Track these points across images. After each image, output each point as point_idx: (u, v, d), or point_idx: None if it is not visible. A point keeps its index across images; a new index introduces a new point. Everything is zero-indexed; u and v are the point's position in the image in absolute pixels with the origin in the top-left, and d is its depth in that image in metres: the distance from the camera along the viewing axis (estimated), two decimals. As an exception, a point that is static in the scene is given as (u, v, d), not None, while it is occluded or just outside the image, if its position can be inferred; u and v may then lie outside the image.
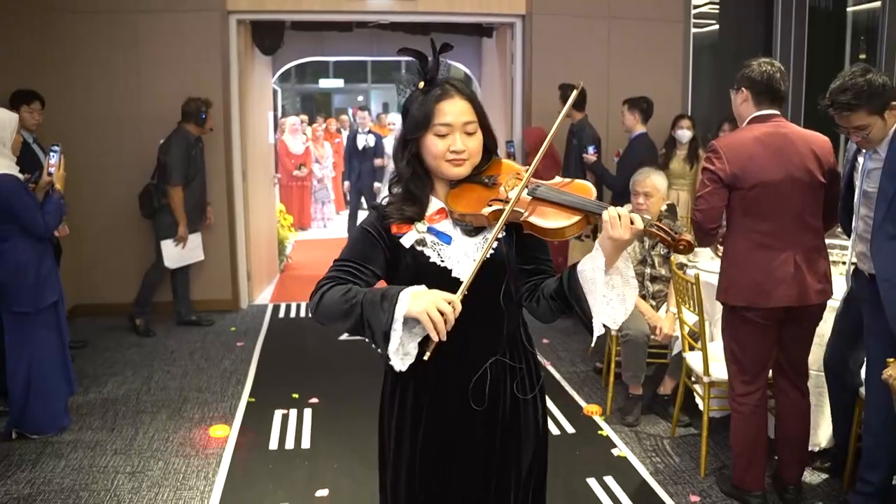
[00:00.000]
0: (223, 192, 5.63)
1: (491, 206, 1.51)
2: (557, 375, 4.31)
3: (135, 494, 2.94)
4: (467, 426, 1.61)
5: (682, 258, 3.60)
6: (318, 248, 8.44)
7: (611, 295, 1.46)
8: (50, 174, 3.36)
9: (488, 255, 1.50)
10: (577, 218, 1.46)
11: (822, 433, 3.08)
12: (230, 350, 4.83)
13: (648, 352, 3.66)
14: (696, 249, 3.89)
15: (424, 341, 1.40)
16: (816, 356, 2.96)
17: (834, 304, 2.89)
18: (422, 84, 1.55)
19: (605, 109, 5.85)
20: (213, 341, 5.01)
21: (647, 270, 3.78)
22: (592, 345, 1.17)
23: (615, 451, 3.34)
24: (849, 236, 2.79)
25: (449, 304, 1.35)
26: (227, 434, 3.51)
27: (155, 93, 5.36)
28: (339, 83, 19.34)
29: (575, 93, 1.56)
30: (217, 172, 5.56)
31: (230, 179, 5.68)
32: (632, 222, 1.39)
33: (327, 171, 10.39)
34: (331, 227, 10.15)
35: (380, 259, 1.54)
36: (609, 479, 3.06)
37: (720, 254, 2.90)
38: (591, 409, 3.77)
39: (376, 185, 8.52)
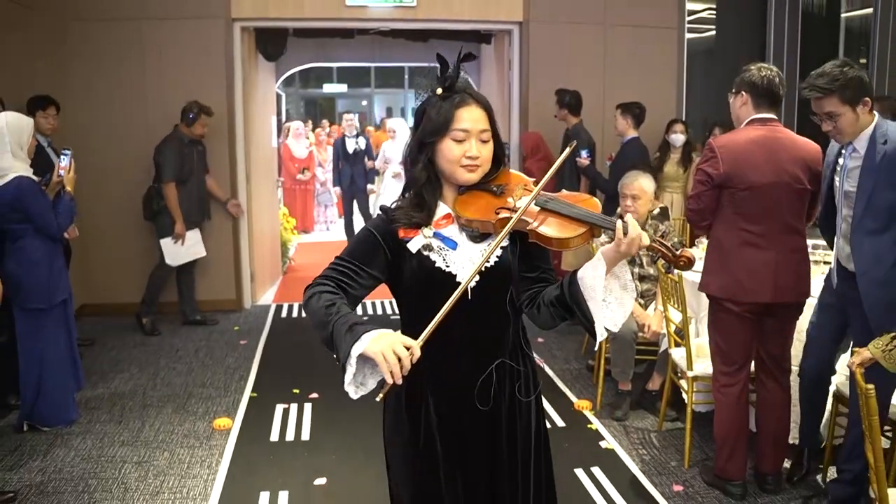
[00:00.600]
0: (227, 194, 5.76)
1: (499, 213, 1.56)
2: (551, 372, 4.44)
3: (141, 482, 3.08)
4: (471, 427, 1.64)
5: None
6: (321, 251, 8.56)
7: (609, 299, 1.53)
8: (60, 176, 3.52)
9: (493, 263, 1.58)
10: (582, 230, 1.52)
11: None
12: (233, 348, 4.97)
13: (638, 349, 3.79)
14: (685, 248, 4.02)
15: (383, 381, 1.41)
16: (797, 351, 3.07)
17: (812, 302, 2.99)
18: (440, 90, 1.59)
19: (601, 114, 5.98)
20: (217, 340, 5.15)
21: (636, 270, 3.90)
22: (595, 348, 1.25)
23: (603, 444, 3.46)
24: (829, 245, 2.87)
25: (407, 349, 1.37)
26: (229, 427, 3.65)
27: (161, 98, 5.51)
28: (342, 88, 19.52)
29: (568, 150, 1.67)
30: (222, 175, 5.72)
31: (234, 182, 5.84)
32: (640, 238, 1.46)
33: (330, 174, 10.52)
34: (333, 230, 10.29)
35: (380, 263, 1.58)
36: (596, 470, 3.19)
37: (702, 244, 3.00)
38: (582, 405, 3.89)
39: (369, 186, 8.61)
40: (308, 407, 3.89)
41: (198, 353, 4.86)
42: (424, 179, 1.59)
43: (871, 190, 2.53)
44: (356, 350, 1.39)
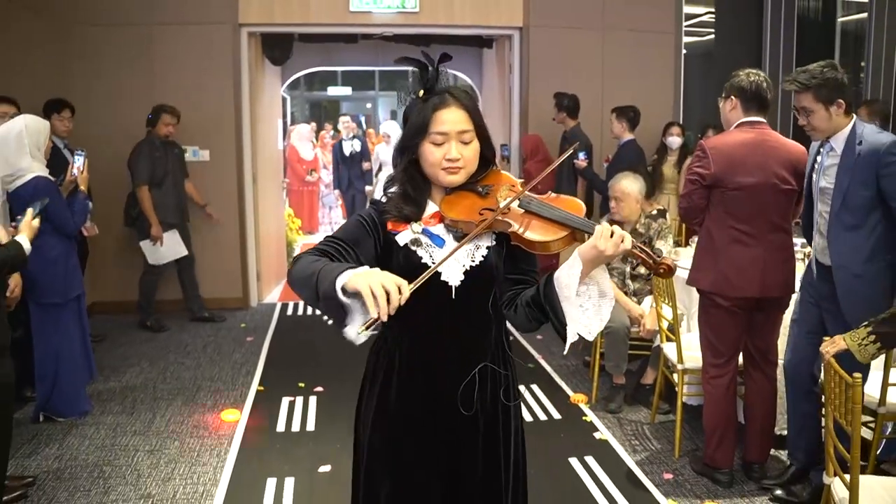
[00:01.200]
0: (234, 195, 5.92)
1: (483, 214, 1.54)
2: (548, 368, 4.56)
3: (153, 469, 3.22)
4: (453, 430, 1.62)
5: (664, 251, 3.81)
6: (325, 251, 8.69)
7: (587, 304, 1.50)
8: (74, 176, 3.67)
9: (478, 262, 1.57)
10: (563, 233, 1.51)
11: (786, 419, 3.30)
12: (241, 344, 5.11)
13: (632, 345, 3.91)
14: (677, 249, 4.14)
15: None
16: (784, 344, 3.18)
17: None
18: (421, 92, 1.59)
19: (599, 117, 6.11)
20: (224, 336, 5.29)
21: (628, 269, 4.02)
22: (566, 352, 1.28)
23: (597, 435, 3.58)
24: (810, 242, 2.97)
25: (398, 287, 1.31)
26: (237, 418, 3.78)
27: (169, 102, 5.62)
28: (347, 91, 19.66)
29: (570, 151, 1.73)
30: (228, 177, 5.87)
31: (241, 184, 5.99)
32: (622, 240, 1.43)
33: (332, 177, 10.66)
34: (337, 231, 10.41)
35: (369, 248, 1.56)
36: (589, 459, 3.31)
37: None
38: (578, 398, 4.02)
39: (367, 188, 8.74)
40: (313, 400, 4.03)
41: (206, 348, 5.00)
42: (406, 179, 1.59)
43: (847, 187, 2.64)
44: (340, 281, 1.34)
